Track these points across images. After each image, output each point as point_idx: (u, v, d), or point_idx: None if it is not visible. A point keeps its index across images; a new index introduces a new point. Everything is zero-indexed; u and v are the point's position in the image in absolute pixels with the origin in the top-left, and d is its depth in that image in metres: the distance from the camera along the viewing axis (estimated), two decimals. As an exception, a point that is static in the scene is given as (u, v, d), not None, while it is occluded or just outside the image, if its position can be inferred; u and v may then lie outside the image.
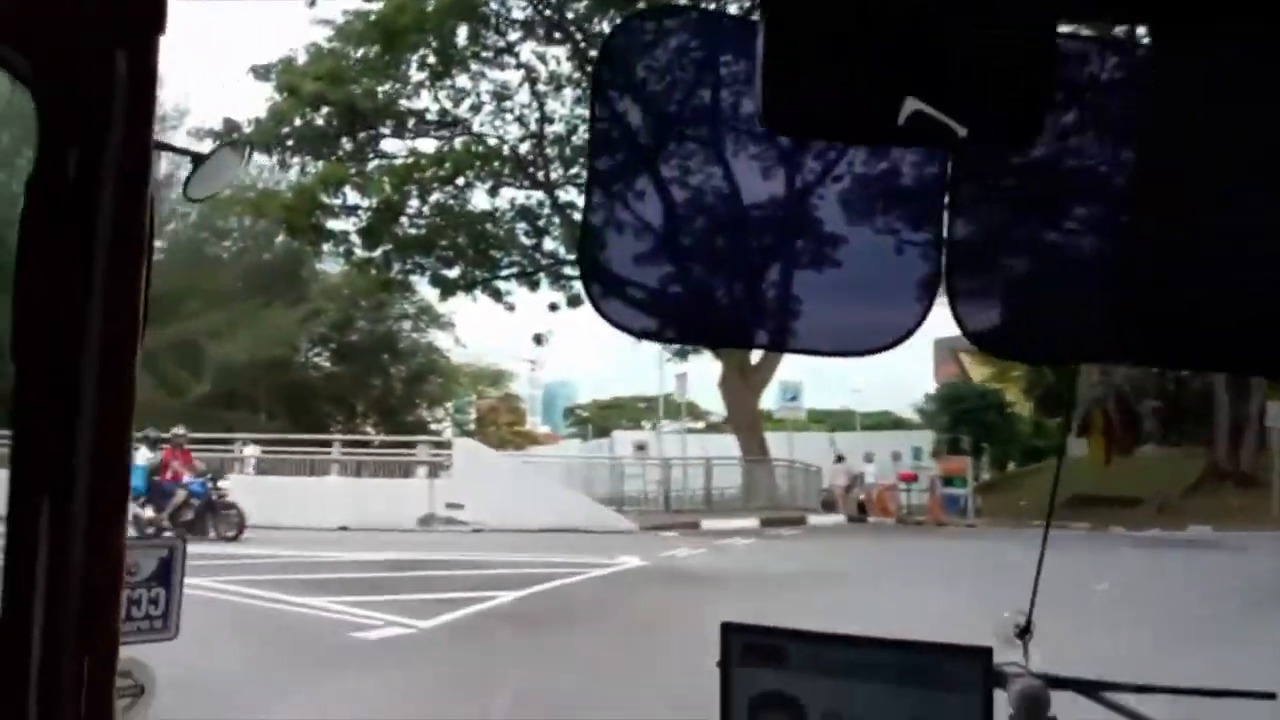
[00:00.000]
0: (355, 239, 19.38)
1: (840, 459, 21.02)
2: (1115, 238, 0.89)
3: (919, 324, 0.86)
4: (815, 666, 0.89)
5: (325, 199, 18.46)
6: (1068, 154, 0.93)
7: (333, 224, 19.22)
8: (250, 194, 19.70)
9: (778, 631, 0.90)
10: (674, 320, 0.97)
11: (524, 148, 19.24)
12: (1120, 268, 0.85)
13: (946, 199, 0.88)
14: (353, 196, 18.76)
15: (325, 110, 17.95)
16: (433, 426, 27.41)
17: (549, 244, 20.08)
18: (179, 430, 14.15)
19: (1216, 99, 0.75)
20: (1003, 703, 0.90)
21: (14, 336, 0.90)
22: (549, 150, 19.15)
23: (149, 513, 12.71)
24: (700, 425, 31.39)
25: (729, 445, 20.95)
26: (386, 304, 25.88)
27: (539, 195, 19.60)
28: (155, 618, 1.32)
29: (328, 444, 17.68)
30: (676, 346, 20.63)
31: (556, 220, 19.78)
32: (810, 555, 12.36)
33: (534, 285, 20.10)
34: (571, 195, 18.65)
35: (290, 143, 18.49)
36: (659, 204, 0.91)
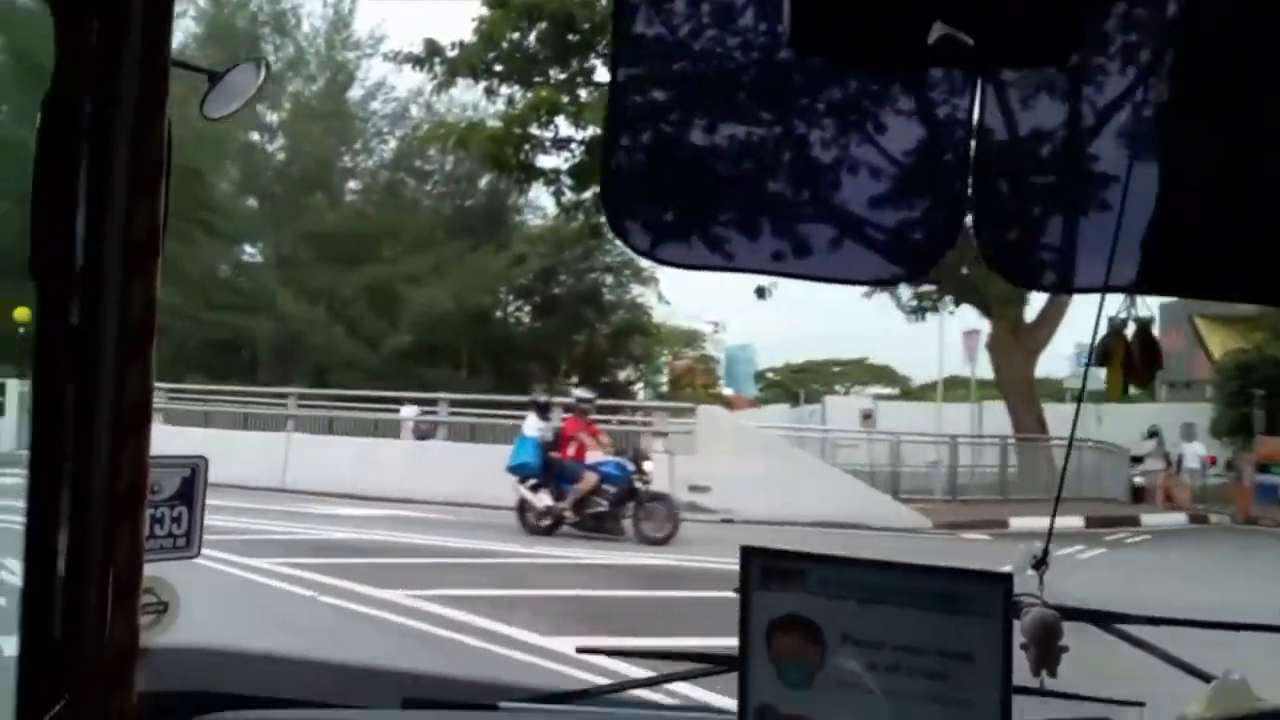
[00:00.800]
0: (565, 179, 20.28)
1: (1154, 434, 18.90)
2: (1147, 165, 0.99)
3: (943, 253, 0.98)
4: (834, 590, 1.00)
5: (536, 130, 19.31)
6: (1100, 78, 1.04)
7: (543, 160, 20.07)
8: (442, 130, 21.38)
9: (797, 555, 1.02)
10: (694, 243, 1.07)
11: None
12: (1152, 195, 0.95)
13: (975, 123, 0.99)
14: (565, 129, 19.44)
15: (537, 29, 18.87)
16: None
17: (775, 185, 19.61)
18: (583, 393, 12.45)
19: (1259, 22, 0.85)
20: (1016, 632, 1.02)
21: (33, 250, 1.06)
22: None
23: (544, 499, 11.17)
24: (893, 392, 33.04)
25: (960, 417, 20.78)
26: (593, 252, 27.06)
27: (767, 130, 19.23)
28: (178, 536, 1.44)
29: (517, 406, 17.73)
30: (914, 304, 21.06)
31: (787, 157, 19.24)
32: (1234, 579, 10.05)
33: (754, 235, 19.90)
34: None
35: (498, 68, 19.73)
36: (684, 122, 1.04)
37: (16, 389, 18.58)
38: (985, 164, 0.99)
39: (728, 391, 41.05)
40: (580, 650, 1.96)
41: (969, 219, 0.99)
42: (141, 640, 1.14)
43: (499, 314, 29.22)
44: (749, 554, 1.02)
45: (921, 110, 1.04)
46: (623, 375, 30.46)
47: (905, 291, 13.96)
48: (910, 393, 33.74)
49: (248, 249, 28.71)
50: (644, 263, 26.47)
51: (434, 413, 17.28)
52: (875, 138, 1.03)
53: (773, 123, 1.04)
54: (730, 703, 1.05)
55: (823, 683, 1.00)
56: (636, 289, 29.89)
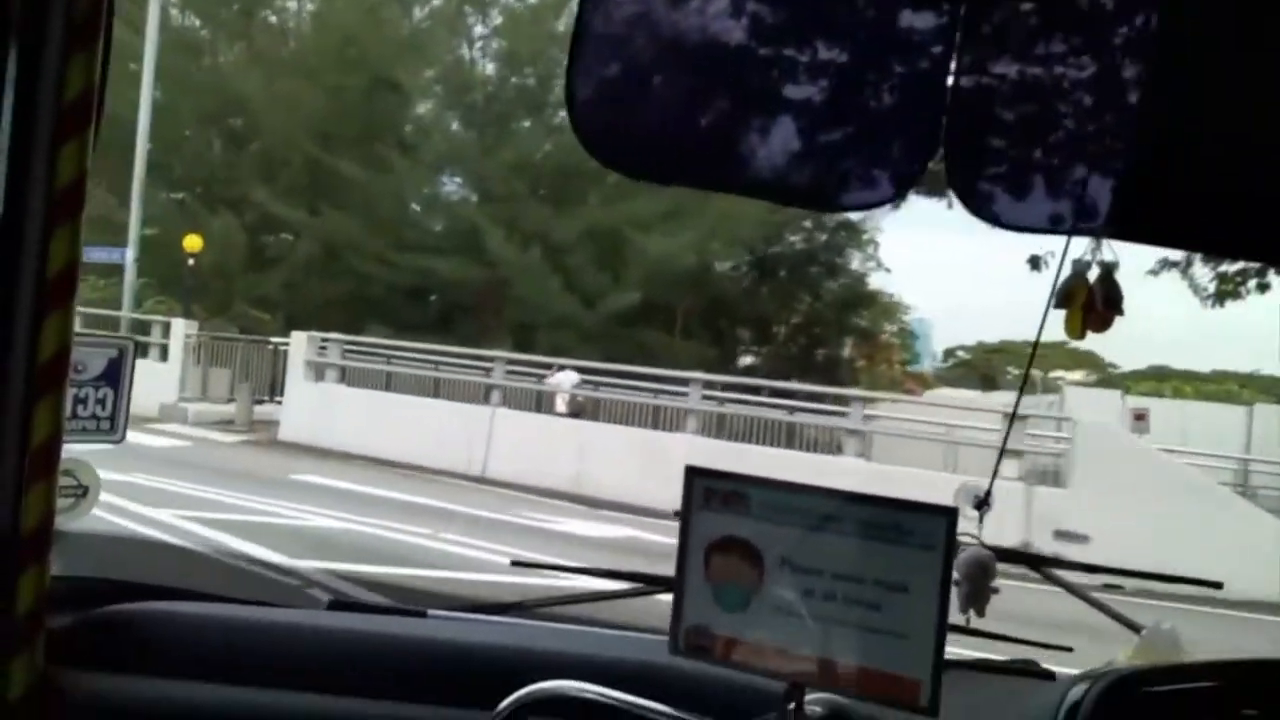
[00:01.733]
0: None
1: None
2: (1123, 109, 1.19)
3: (913, 183, 1.16)
4: (776, 515, 1.17)
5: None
6: (1084, 18, 1.24)
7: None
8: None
9: (741, 478, 1.18)
10: (662, 157, 1.23)
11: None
12: (1130, 140, 1.14)
13: (955, 54, 1.16)
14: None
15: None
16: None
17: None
18: None
19: None
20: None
21: None
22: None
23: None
24: (1082, 377, 32.67)
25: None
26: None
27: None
28: (102, 419, 1.63)
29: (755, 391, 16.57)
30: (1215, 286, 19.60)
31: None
32: None
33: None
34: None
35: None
36: (654, 29, 1.17)
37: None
38: (961, 98, 1.15)
39: (919, 370, 41.18)
40: (514, 563, 1.99)
41: (941, 151, 1.16)
42: (58, 523, 1.30)
43: (714, 272, 28.86)
44: (692, 473, 1.19)
45: (900, 41, 1.21)
46: (835, 353, 29.98)
47: (1203, 271, 12.69)
48: (1109, 381, 33.21)
49: (447, 181, 29.26)
50: (863, 223, 27.26)
51: (593, 384, 16.82)
52: (853, 66, 1.21)
53: (749, 38, 1.20)
54: (664, 623, 1.21)
55: (758, 606, 1.16)
56: (852, 253, 29.49)
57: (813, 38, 1.21)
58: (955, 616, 1.33)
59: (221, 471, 12.42)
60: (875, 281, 31.39)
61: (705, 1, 1.21)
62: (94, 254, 22.11)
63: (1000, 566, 1.61)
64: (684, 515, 1.21)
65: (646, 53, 1.20)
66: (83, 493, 1.56)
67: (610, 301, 25.65)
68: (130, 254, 21.95)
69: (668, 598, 1.27)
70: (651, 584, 1.72)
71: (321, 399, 16.79)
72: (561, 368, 17.13)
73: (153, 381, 17.34)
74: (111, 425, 1.64)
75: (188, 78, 26.39)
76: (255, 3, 28.05)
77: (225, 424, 17.54)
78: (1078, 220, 1.23)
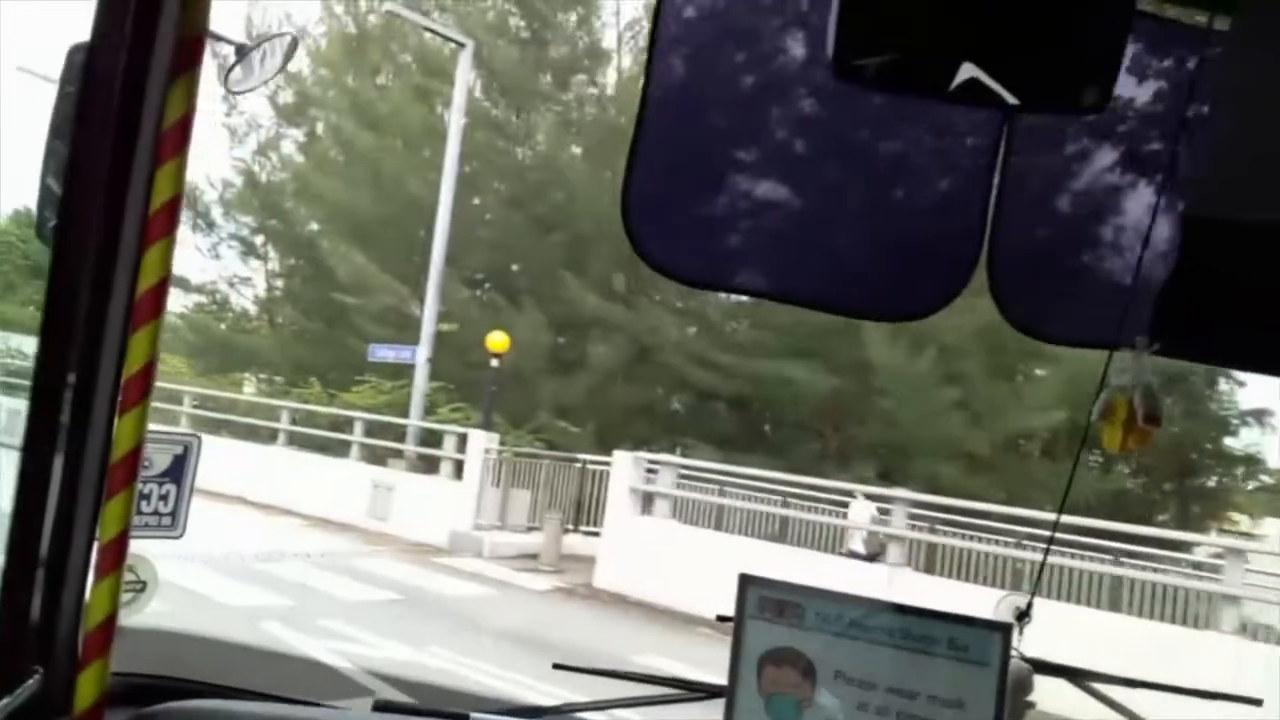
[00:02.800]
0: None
1: None
2: (1165, 225, 1.34)
3: (957, 292, 1.32)
4: (831, 626, 1.38)
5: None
6: (1124, 137, 1.44)
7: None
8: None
9: (795, 588, 1.41)
10: (716, 267, 1.45)
11: None
12: (1170, 255, 1.29)
13: (998, 170, 1.35)
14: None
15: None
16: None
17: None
18: None
19: None
20: None
21: (41, 216, 1.55)
22: None
23: None
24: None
25: None
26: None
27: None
28: (164, 514, 2.06)
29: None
30: None
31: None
32: None
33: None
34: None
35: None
36: (713, 144, 1.42)
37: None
38: (1005, 206, 1.36)
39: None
40: (557, 666, 2.35)
41: (983, 260, 1.36)
42: (119, 619, 1.56)
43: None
44: (745, 581, 1.44)
45: (948, 149, 1.46)
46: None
47: None
48: None
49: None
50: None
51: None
52: (899, 176, 1.44)
53: (802, 154, 1.45)
54: None
55: (810, 718, 1.40)
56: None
57: (862, 150, 1.45)
58: None
59: (546, 646, 11.43)
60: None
61: (761, 113, 1.49)
62: (381, 352, 23.93)
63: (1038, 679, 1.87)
64: (736, 623, 1.45)
65: (702, 160, 1.45)
66: (141, 588, 1.95)
67: (1014, 419, 23.48)
68: (423, 353, 23.24)
69: (712, 704, 1.55)
70: (694, 690, 1.96)
71: (650, 538, 16.38)
72: (859, 496, 16.94)
73: (443, 502, 19.32)
74: (173, 521, 2.08)
75: (493, 158, 28.49)
76: (568, 71, 29.71)
77: (526, 558, 17.83)
78: (1119, 334, 1.41)
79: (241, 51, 2.69)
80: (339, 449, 22.96)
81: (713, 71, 1.47)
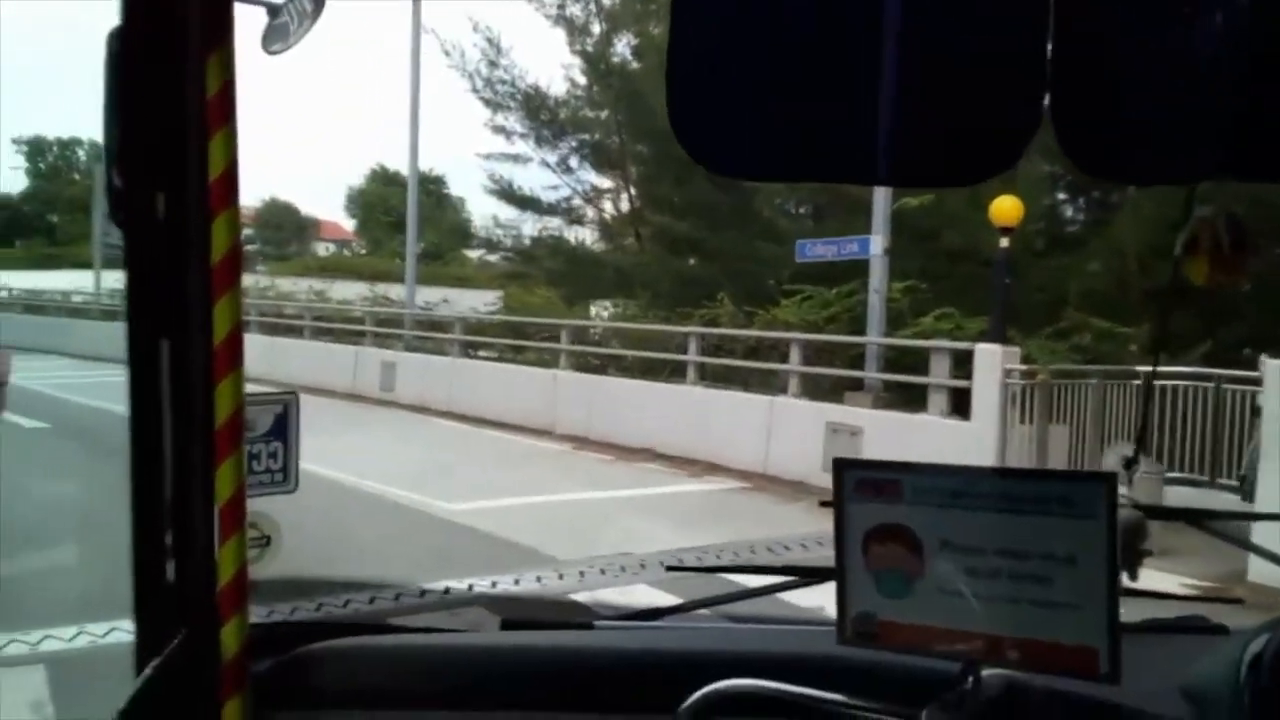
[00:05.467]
0: None
1: None
2: (1238, 41, 1.27)
3: (1026, 144, 1.30)
4: (930, 498, 1.42)
5: None
6: None
7: None
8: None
9: (891, 464, 1.45)
10: (769, 155, 1.44)
11: None
12: (1242, 75, 1.24)
13: (1052, 11, 1.29)
14: None
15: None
16: None
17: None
18: None
19: None
20: None
21: (113, 197, 1.62)
22: None
23: None
24: None
25: None
26: None
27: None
28: (275, 471, 2.23)
29: None
30: None
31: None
32: None
33: None
34: None
35: None
36: (752, 23, 1.37)
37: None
38: (1064, 46, 1.30)
39: None
40: (669, 569, 2.79)
41: (1047, 105, 1.30)
42: (250, 574, 1.70)
43: None
44: (841, 465, 1.49)
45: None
46: None
47: None
48: None
49: None
50: None
51: None
52: (947, 29, 1.36)
53: (844, 20, 1.37)
54: (825, 613, 1.53)
55: (922, 590, 1.43)
56: None
57: (904, 10, 1.36)
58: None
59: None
60: None
61: None
62: (815, 249, 19.42)
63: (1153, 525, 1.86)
64: (836, 505, 1.49)
65: (740, 49, 1.38)
66: (266, 542, 2.17)
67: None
68: (878, 242, 17.55)
69: (825, 588, 1.60)
70: (809, 576, 2.10)
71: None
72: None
73: (941, 450, 13.70)
74: (284, 476, 2.25)
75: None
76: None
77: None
78: (1195, 166, 1.37)
79: (273, 12, 2.83)
80: (761, 383, 18.59)
81: None
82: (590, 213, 33.61)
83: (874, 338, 17.33)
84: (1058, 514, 1.34)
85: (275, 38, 2.63)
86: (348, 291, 36.41)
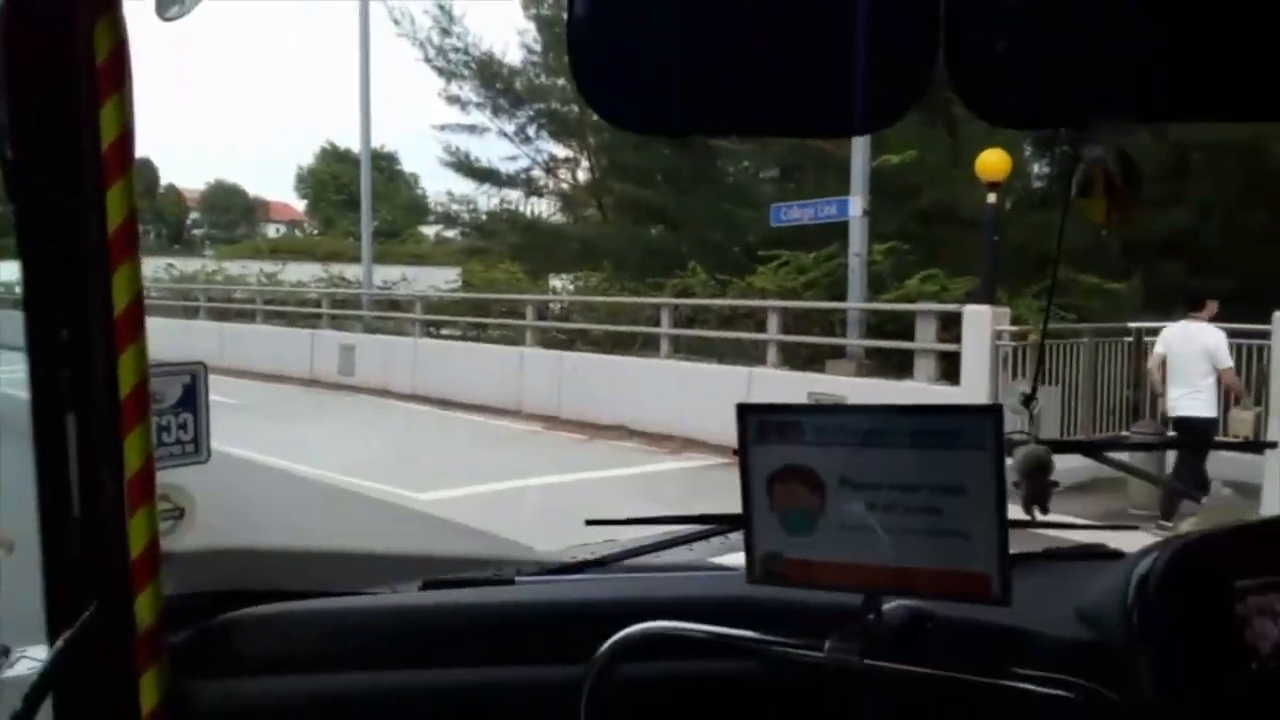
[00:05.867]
0: None
1: None
2: None
3: (921, 92, 1.35)
4: (829, 437, 1.50)
5: None
6: None
7: None
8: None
9: (791, 408, 1.54)
10: (670, 109, 1.42)
11: None
12: (1133, 17, 1.33)
13: None
14: None
15: None
16: None
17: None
18: None
19: None
20: (1008, 469, 1.45)
21: (6, 161, 1.59)
22: None
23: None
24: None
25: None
26: None
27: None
28: (186, 442, 2.12)
29: None
30: None
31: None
32: None
33: None
34: None
35: None
36: None
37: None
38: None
39: None
40: (589, 523, 2.46)
41: (941, 54, 1.30)
42: (162, 546, 1.69)
43: None
44: (744, 411, 1.56)
45: None
46: None
47: None
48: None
49: None
50: None
51: None
52: None
53: None
54: (740, 559, 1.60)
55: (824, 527, 1.51)
56: None
57: None
58: (1020, 516, 1.69)
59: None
60: None
61: None
62: (789, 213, 18.71)
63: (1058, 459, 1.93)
64: (740, 451, 1.56)
65: (638, 5, 1.40)
66: (179, 514, 2.04)
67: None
68: (858, 204, 16.73)
69: (738, 535, 1.63)
70: (721, 522, 2.16)
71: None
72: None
73: None
74: (196, 447, 2.13)
75: None
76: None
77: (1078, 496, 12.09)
78: (1088, 107, 1.38)
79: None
80: (738, 354, 18.01)
81: None
82: (550, 183, 33.27)
83: (856, 303, 16.83)
84: (950, 447, 1.43)
85: (169, 2, 2.10)
86: (301, 273, 35.89)
